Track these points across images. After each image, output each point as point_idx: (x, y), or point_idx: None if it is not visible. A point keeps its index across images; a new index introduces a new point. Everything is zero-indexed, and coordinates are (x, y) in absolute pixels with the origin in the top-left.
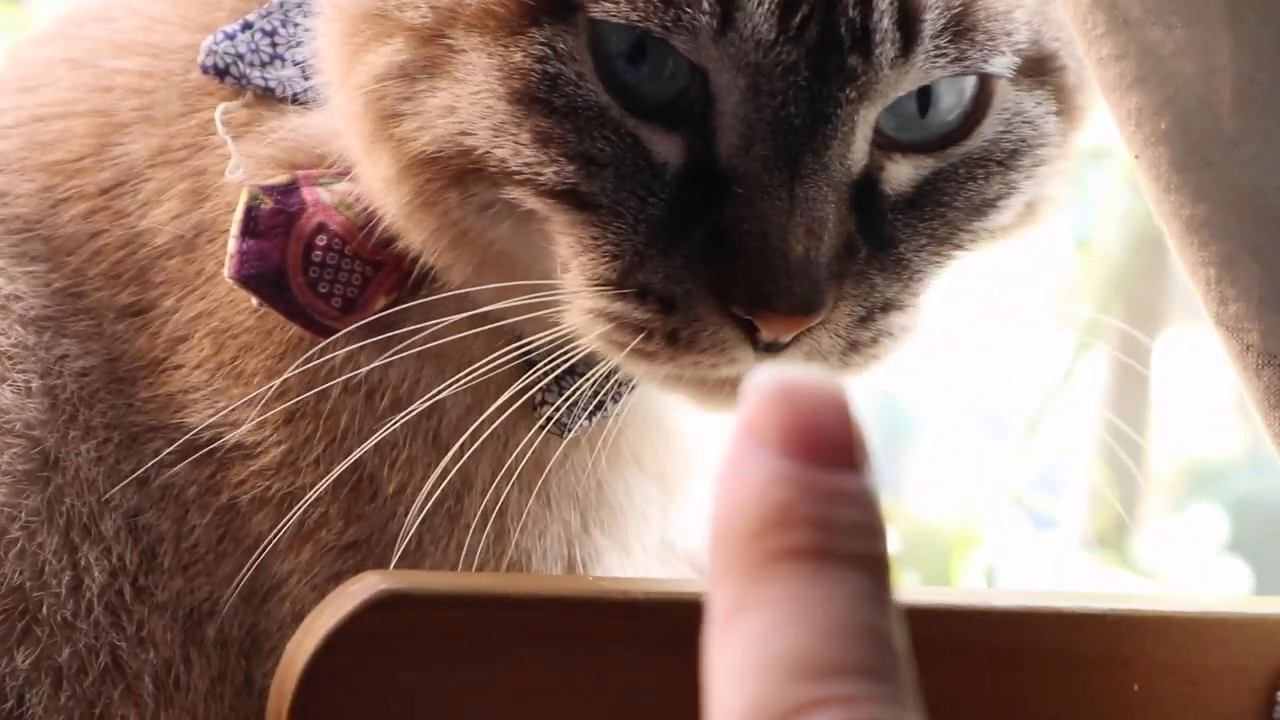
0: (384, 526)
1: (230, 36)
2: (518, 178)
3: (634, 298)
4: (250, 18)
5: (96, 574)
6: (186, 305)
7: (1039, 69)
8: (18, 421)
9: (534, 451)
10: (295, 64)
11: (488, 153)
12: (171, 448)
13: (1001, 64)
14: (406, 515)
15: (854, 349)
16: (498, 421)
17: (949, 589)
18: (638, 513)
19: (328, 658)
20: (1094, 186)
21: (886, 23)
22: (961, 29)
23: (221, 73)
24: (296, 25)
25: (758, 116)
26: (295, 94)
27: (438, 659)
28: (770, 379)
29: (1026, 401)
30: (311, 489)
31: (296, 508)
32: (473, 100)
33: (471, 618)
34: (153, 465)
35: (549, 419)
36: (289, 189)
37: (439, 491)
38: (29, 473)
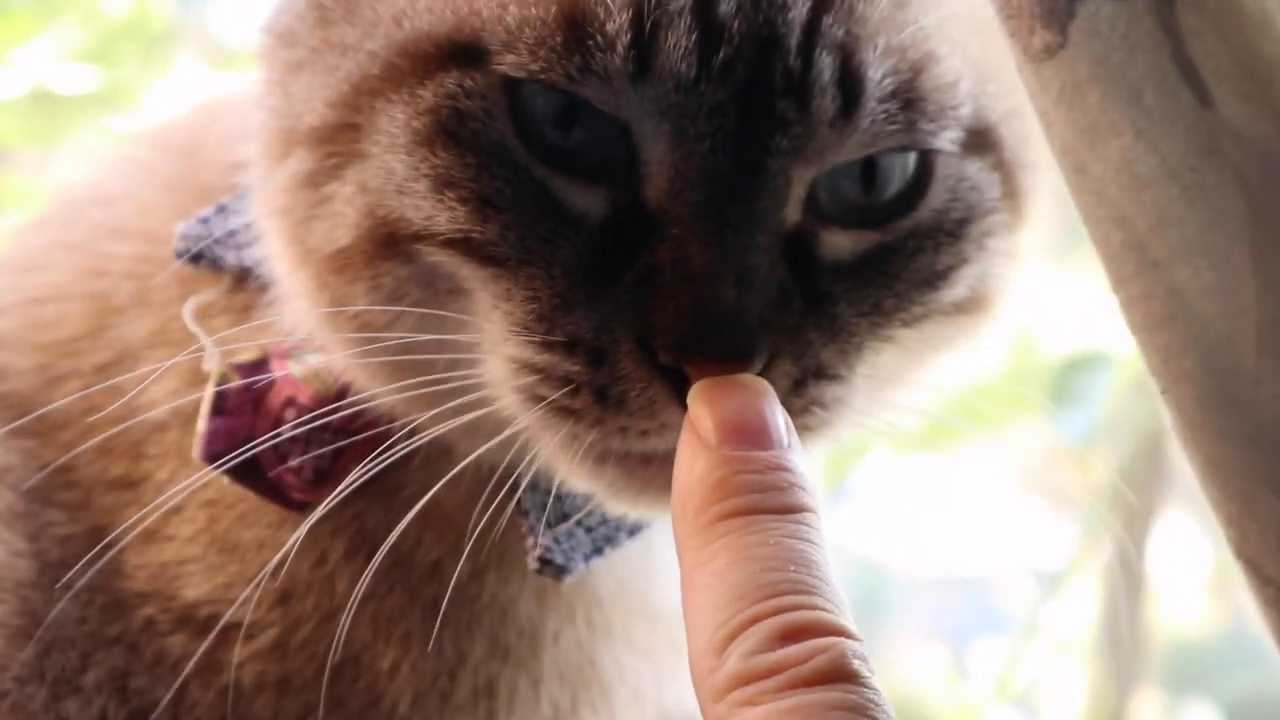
0: (367, 711)
1: (204, 220)
2: (421, 232)
3: (561, 348)
4: (224, 201)
5: None
6: (181, 477)
7: (980, 142)
8: (10, 579)
9: (529, 624)
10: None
11: (397, 215)
12: (166, 616)
13: (948, 138)
14: (393, 698)
15: (789, 415)
16: (498, 586)
17: None
18: (630, 690)
19: None
20: (1094, 391)
21: (826, 76)
22: (911, 98)
23: (196, 257)
24: None
25: (685, 162)
26: (271, 274)
27: None
28: (703, 385)
29: (1024, 595)
30: (301, 673)
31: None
32: (378, 165)
33: None
34: (143, 630)
35: (542, 562)
36: (259, 364)
37: (431, 668)
38: (21, 628)
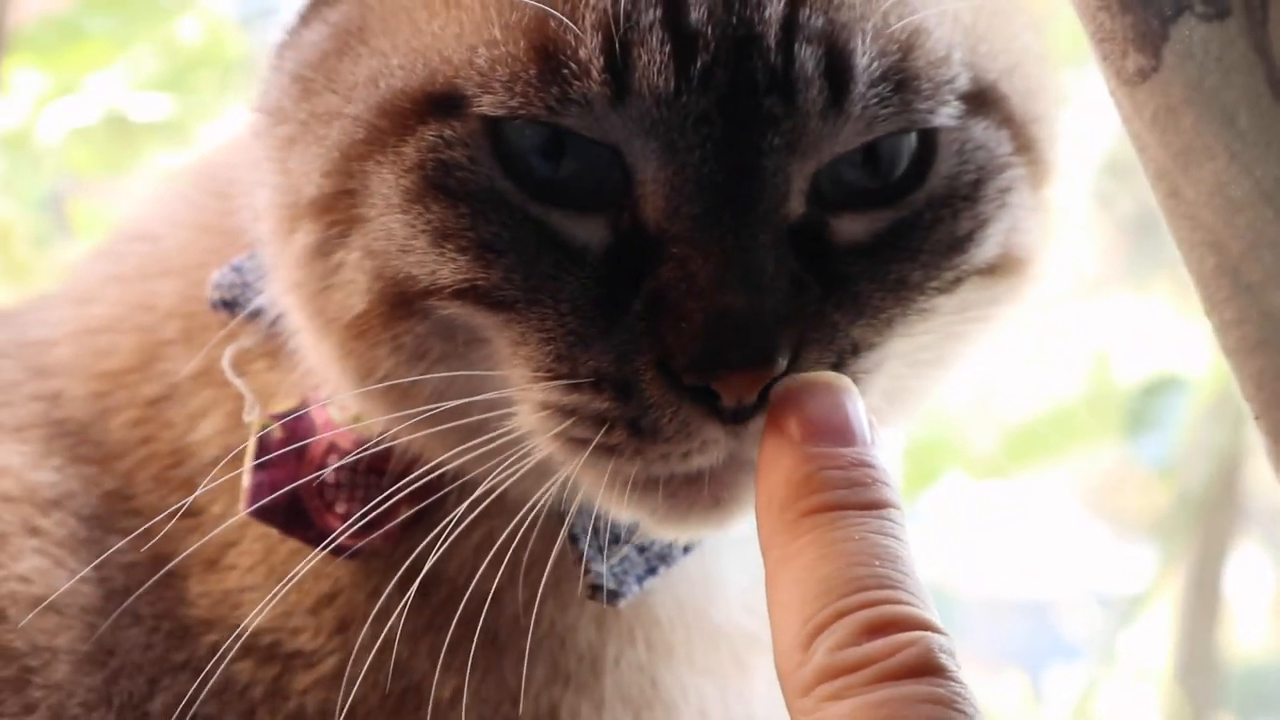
0: None
1: (237, 268)
2: (428, 288)
3: (588, 388)
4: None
5: None
6: (234, 512)
7: (981, 101)
8: (75, 605)
9: (589, 649)
10: None
11: (405, 274)
12: (230, 643)
13: (947, 114)
14: None
15: None
16: (556, 613)
17: None
18: (695, 711)
19: None
20: (1170, 416)
21: (810, 68)
22: (903, 79)
23: (230, 305)
24: None
25: (679, 177)
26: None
27: None
28: (785, 385)
29: (1092, 620)
30: (364, 701)
31: None
32: (378, 228)
33: None
34: (208, 657)
35: (595, 588)
36: (299, 414)
37: (493, 695)
38: (89, 654)
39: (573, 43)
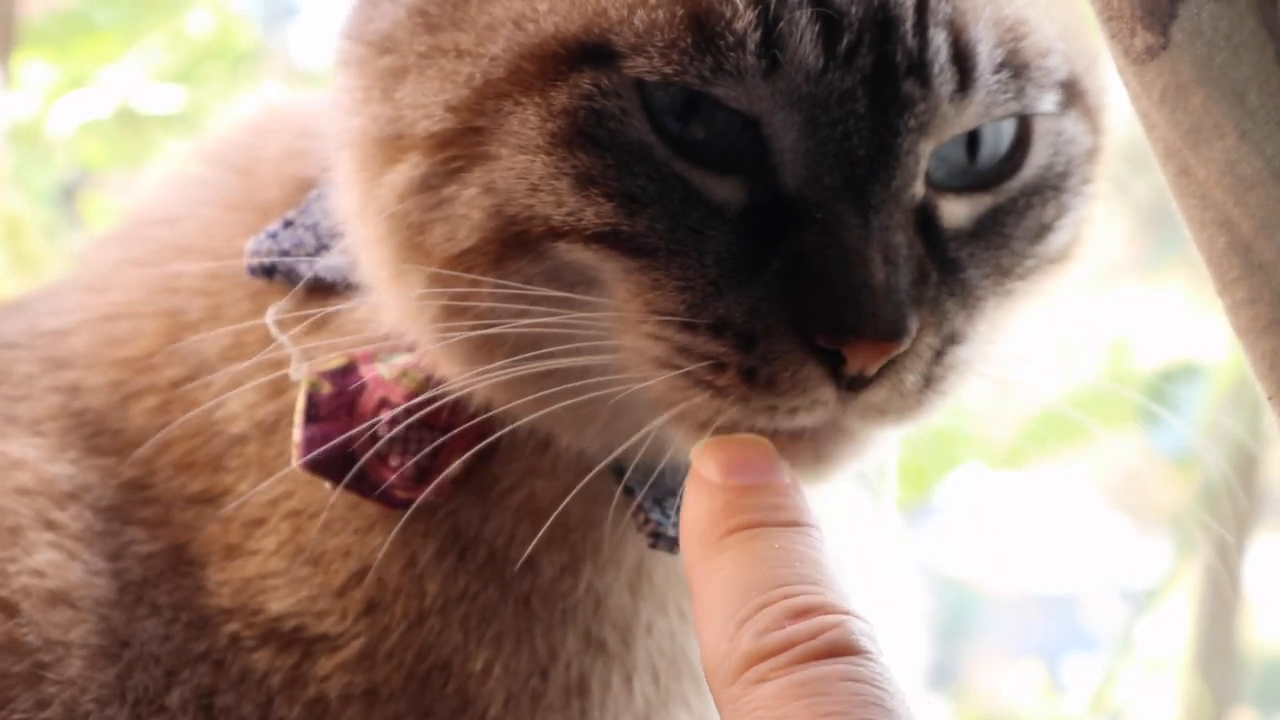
0: (456, 717)
1: (273, 235)
2: (562, 229)
3: (706, 330)
4: (290, 215)
5: None
6: (264, 489)
7: (1072, 94)
8: (88, 599)
9: (622, 616)
10: (341, 252)
11: (530, 213)
12: (251, 632)
13: (1051, 101)
14: (484, 701)
15: (929, 384)
16: (594, 577)
17: None
18: None
19: None
20: (1188, 404)
21: (943, 55)
22: (1018, 66)
23: (268, 271)
24: (334, 215)
25: (820, 149)
26: (345, 279)
27: None
28: (707, 445)
29: (1111, 611)
30: (388, 682)
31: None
32: (509, 165)
33: None
34: (229, 647)
35: (655, 535)
36: (347, 370)
37: (523, 667)
38: (102, 648)
39: (728, 15)
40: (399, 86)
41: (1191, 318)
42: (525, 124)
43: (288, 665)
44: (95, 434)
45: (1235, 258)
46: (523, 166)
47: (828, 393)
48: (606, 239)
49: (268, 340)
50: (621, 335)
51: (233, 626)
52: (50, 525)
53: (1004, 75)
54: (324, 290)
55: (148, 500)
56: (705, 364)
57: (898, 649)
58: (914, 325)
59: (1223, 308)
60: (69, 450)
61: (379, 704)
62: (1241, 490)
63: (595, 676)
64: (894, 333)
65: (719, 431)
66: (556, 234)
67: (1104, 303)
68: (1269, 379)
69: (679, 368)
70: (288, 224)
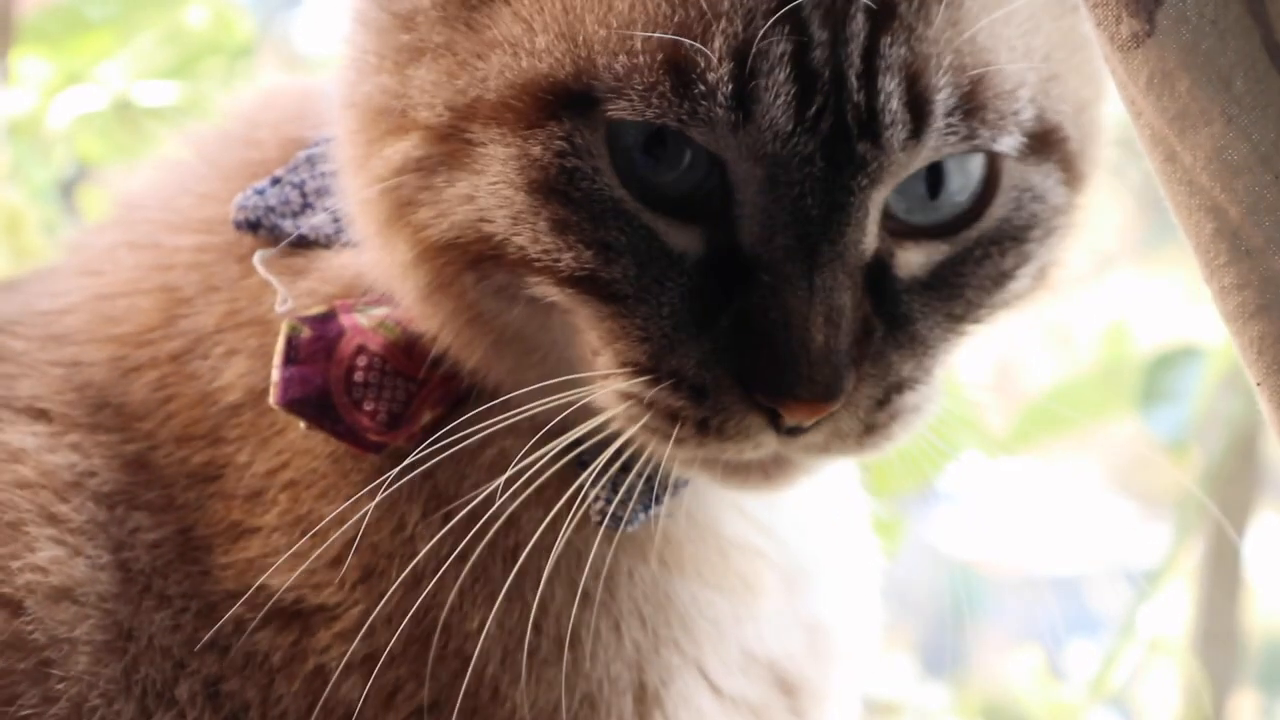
0: (456, 678)
1: (260, 192)
2: (537, 264)
3: (667, 386)
4: (278, 173)
5: None
6: (260, 459)
7: (1045, 142)
8: (92, 594)
9: (604, 565)
10: (325, 210)
11: (506, 239)
12: (253, 614)
13: (1009, 143)
14: (482, 659)
15: (870, 431)
16: (571, 529)
17: None
18: (710, 623)
19: None
20: (1186, 387)
21: (895, 105)
22: (972, 107)
23: (254, 225)
24: (323, 175)
25: (777, 207)
26: (328, 236)
27: None
28: None
29: (1116, 594)
30: (387, 648)
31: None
32: (491, 190)
33: None
34: (234, 632)
35: (603, 514)
36: (327, 317)
37: (516, 622)
38: (107, 643)
39: (702, 65)
40: (412, 66)
41: (1189, 300)
42: (506, 162)
43: (287, 642)
44: (98, 409)
45: (1223, 243)
46: (504, 196)
47: (769, 438)
48: (581, 283)
49: (255, 300)
50: (592, 367)
51: (236, 610)
52: (52, 519)
53: (955, 118)
54: (307, 246)
55: (151, 481)
56: (668, 423)
57: (860, 610)
58: (849, 384)
59: (1210, 293)
60: (71, 432)
61: (379, 671)
62: (1240, 471)
63: (585, 626)
64: (828, 394)
65: (682, 464)
66: (531, 268)
67: (1102, 287)
68: (1257, 365)
69: (650, 430)
70: (275, 181)
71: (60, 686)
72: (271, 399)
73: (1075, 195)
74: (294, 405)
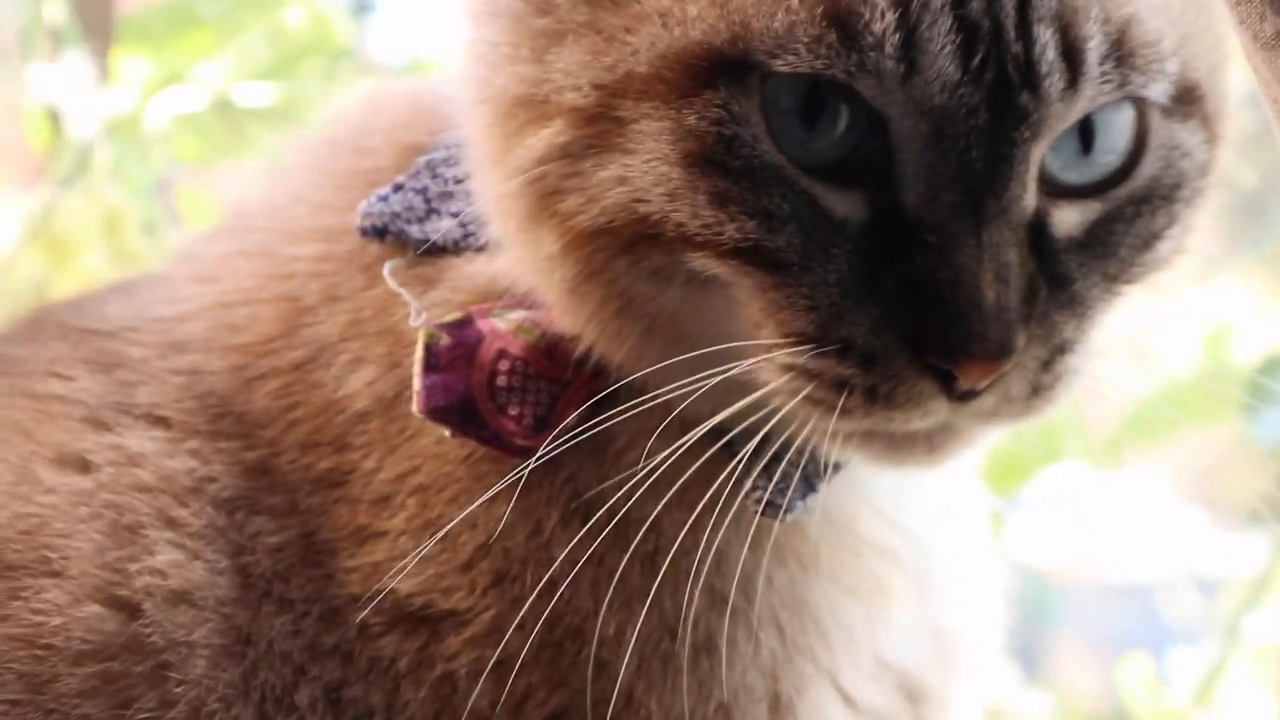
0: (589, 686)
1: (384, 199)
2: (698, 240)
3: (835, 355)
4: (400, 179)
5: None
6: (389, 465)
7: (1187, 99)
8: (211, 598)
9: (743, 569)
10: (450, 215)
11: (665, 217)
12: (380, 618)
13: (1159, 90)
14: (617, 666)
15: (1036, 393)
16: (713, 532)
17: None
18: (844, 632)
19: None
20: None
21: (1051, 54)
22: (1122, 54)
23: (380, 232)
24: (444, 180)
25: (942, 163)
26: (455, 242)
27: None
28: None
29: (1197, 603)
30: (519, 654)
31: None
32: (645, 168)
33: None
34: (358, 637)
35: (761, 502)
36: (464, 323)
37: (653, 629)
38: (225, 647)
39: (867, 16)
40: (553, 50)
41: None
42: (660, 136)
43: (414, 647)
44: (218, 417)
45: None
46: (659, 173)
47: (940, 405)
48: (744, 254)
49: (384, 311)
50: (751, 343)
51: (362, 615)
52: (171, 523)
53: (1108, 65)
54: (434, 253)
55: (274, 486)
56: (835, 392)
57: (984, 614)
58: (1021, 342)
59: (1250, 53)
60: (191, 438)
61: (509, 678)
62: None
63: (721, 633)
64: (1002, 351)
65: (843, 439)
66: (692, 244)
67: (1203, 293)
68: None
69: (814, 401)
70: (397, 188)
71: (178, 690)
72: (414, 407)
73: (1214, 155)
74: (438, 413)
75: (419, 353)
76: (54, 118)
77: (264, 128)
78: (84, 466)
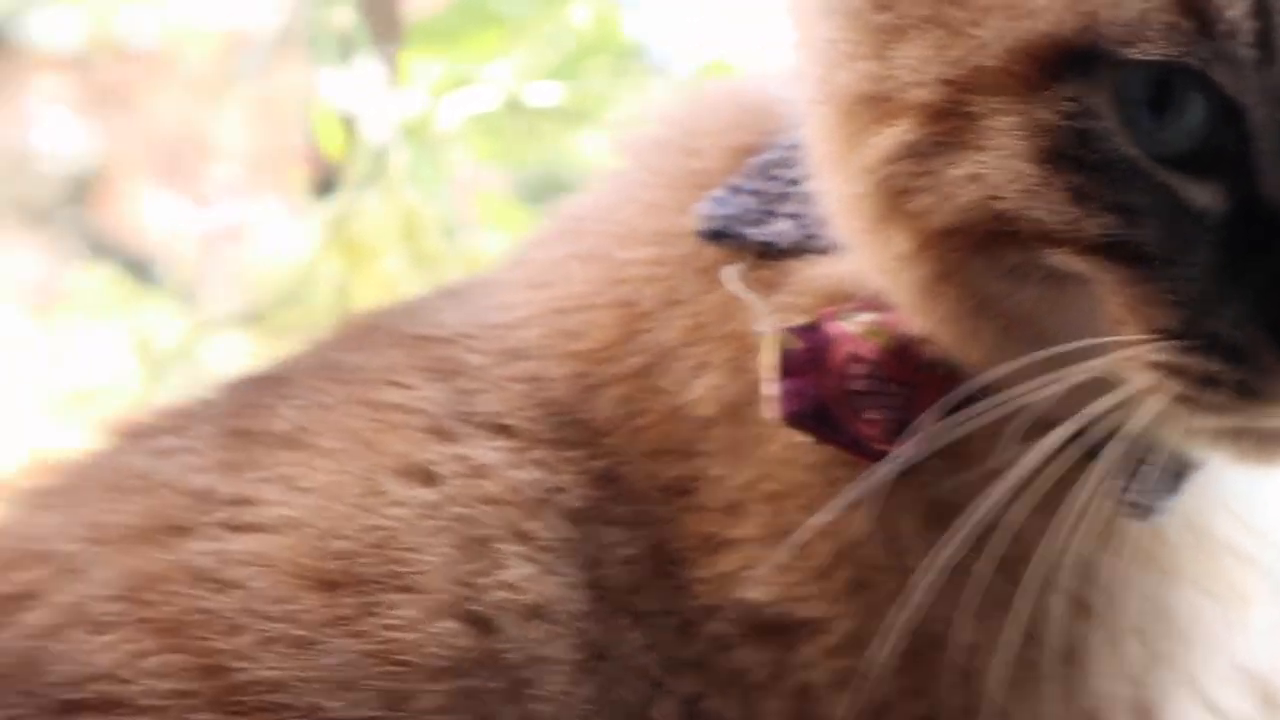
0: (951, 695)
1: (720, 201)
2: (1057, 236)
3: (1201, 350)
4: (735, 182)
5: None
6: (738, 472)
7: None
8: (564, 612)
9: (1106, 575)
10: (788, 217)
11: (1020, 214)
12: (733, 629)
13: None
14: (979, 675)
15: None
16: (1075, 536)
17: None
18: (1204, 635)
19: None
20: None
21: None
22: None
23: (718, 235)
24: (780, 181)
25: None
26: (794, 245)
27: None
28: None
29: None
30: (879, 663)
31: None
32: (998, 164)
33: None
34: (712, 648)
35: (1133, 504)
36: (813, 327)
37: (1016, 637)
38: (580, 663)
39: (1221, 3)
40: (894, 45)
41: None
42: (1012, 132)
43: (770, 658)
44: (562, 425)
45: None
46: (1013, 170)
47: None
48: (1104, 250)
49: (725, 315)
50: (1114, 339)
51: (715, 626)
52: (521, 536)
53: None
54: (773, 256)
55: (621, 495)
56: (1202, 389)
57: None
58: None
59: None
60: (535, 448)
61: (866, 688)
62: None
63: (1084, 642)
64: None
65: (1211, 437)
66: (1050, 240)
67: None
68: None
69: (1183, 399)
70: (734, 189)
71: (537, 707)
72: (771, 414)
73: None
74: (796, 419)
75: (772, 358)
76: (346, 122)
77: (555, 127)
78: (429, 478)
